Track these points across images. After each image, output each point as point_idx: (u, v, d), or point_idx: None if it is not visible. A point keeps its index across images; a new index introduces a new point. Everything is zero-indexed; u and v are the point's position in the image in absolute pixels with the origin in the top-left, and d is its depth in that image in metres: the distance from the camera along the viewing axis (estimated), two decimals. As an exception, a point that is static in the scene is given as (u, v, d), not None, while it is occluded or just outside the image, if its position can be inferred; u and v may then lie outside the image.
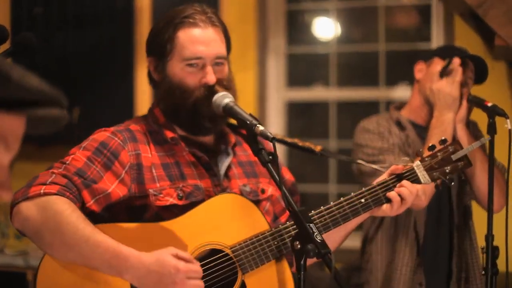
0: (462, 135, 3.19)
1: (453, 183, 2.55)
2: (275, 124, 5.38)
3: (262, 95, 5.32)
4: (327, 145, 5.38)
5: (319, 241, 1.96)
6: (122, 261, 2.09)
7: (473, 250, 3.29)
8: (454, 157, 2.53)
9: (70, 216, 2.11)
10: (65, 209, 2.12)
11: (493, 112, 2.98)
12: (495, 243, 2.87)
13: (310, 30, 5.52)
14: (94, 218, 2.21)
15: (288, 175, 2.67)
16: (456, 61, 3.19)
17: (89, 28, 5.05)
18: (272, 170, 2.10)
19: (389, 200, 2.43)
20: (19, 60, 4.77)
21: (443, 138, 2.54)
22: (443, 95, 3.17)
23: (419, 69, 3.36)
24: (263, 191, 2.51)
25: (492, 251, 2.87)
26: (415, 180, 2.48)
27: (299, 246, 1.99)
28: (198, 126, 2.38)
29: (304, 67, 5.48)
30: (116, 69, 5.09)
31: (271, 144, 2.20)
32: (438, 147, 2.53)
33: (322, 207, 2.38)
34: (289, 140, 2.68)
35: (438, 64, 3.26)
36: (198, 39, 2.37)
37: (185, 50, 2.36)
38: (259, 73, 5.30)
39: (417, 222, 3.22)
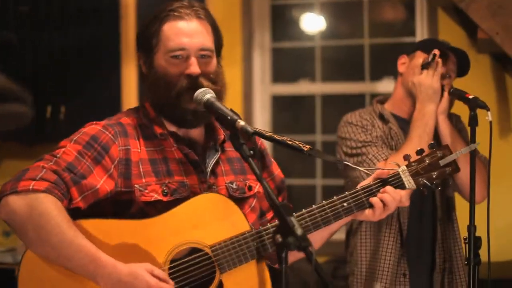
0: (444, 127, 3.23)
1: (439, 188, 2.55)
2: (261, 118, 5.41)
3: (248, 90, 5.34)
4: (313, 139, 5.41)
5: (299, 234, 1.97)
6: (99, 268, 2.13)
7: (456, 241, 3.32)
8: (442, 162, 2.51)
9: (56, 217, 2.14)
10: (51, 209, 2.14)
11: (474, 104, 3.01)
12: (477, 233, 2.91)
13: (295, 25, 5.53)
14: (80, 211, 2.24)
15: (277, 171, 2.67)
16: (436, 53, 3.22)
17: (75, 26, 5.05)
18: (253, 164, 2.10)
19: (372, 205, 2.43)
20: (3, 58, 4.77)
21: (432, 142, 2.54)
22: (424, 87, 3.21)
23: (402, 63, 3.39)
24: (250, 188, 2.50)
25: (474, 242, 2.90)
26: (400, 185, 2.47)
27: (280, 239, 2.00)
28: (181, 118, 2.39)
29: (290, 62, 5.50)
30: (102, 67, 5.10)
31: (262, 140, 2.17)
32: (427, 151, 2.52)
33: (303, 209, 2.39)
34: (278, 137, 2.64)
35: (420, 57, 3.30)
36: (182, 30, 2.38)
37: (169, 42, 2.37)
38: (244, 68, 5.32)
39: (401, 214, 3.24)
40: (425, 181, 2.50)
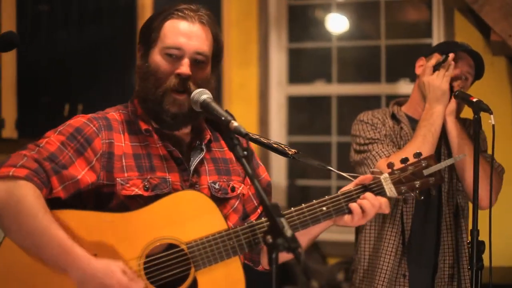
0: (452, 128, 3.21)
1: (422, 197, 2.51)
2: (276, 119, 5.42)
3: (264, 90, 5.36)
4: (328, 140, 5.41)
5: (289, 235, 1.97)
6: (70, 260, 2.15)
7: (462, 248, 3.28)
8: (426, 172, 2.48)
9: (32, 204, 2.17)
10: (29, 197, 2.17)
11: (478, 108, 3.00)
12: (480, 237, 2.89)
13: (311, 25, 5.54)
14: (62, 202, 2.27)
15: (264, 174, 2.69)
16: (450, 55, 3.22)
17: (92, 25, 5.10)
18: (246, 164, 2.13)
19: (351, 211, 2.42)
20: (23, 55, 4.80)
21: (417, 151, 2.51)
22: (433, 87, 3.21)
23: (420, 65, 3.39)
24: (233, 189, 2.52)
25: (477, 246, 2.89)
26: (381, 192, 2.45)
27: (270, 240, 2.01)
28: (161, 118, 2.42)
29: (306, 62, 5.51)
30: (119, 65, 5.14)
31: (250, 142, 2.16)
32: (411, 160, 2.50)
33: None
34: (264, 140, 2.64)
35: (436, 59, 3.29)
36: (181, 31, 2.41)
37: (167, 39, 2.41)
38: (261, 68, 5.34)
39: (404, 214, 3.23)
40: (407, 189, 2.47)
